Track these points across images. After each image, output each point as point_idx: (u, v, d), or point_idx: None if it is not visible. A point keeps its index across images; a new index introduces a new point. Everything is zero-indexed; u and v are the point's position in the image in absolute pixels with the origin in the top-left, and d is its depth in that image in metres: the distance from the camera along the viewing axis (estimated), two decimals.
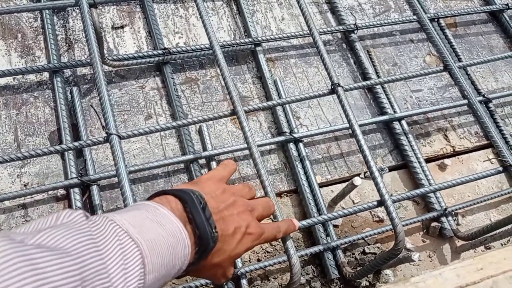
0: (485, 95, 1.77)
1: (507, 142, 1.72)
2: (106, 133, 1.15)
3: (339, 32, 1.88)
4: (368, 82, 1.53)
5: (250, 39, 1.75)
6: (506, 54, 1.77)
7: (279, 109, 1.65)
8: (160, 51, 1.64)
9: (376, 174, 1.23)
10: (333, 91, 1.38)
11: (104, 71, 1.63)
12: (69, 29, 1.70)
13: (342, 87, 1.37)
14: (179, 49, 1.66)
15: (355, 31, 1.88)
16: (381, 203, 1.22)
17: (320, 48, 1.40)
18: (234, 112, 1.28)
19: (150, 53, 1.63)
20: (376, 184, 1.22)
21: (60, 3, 1.47)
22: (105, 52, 1.68)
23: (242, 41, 1.73)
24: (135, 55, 1.62)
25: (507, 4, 2.02)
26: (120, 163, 1.10)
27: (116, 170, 1.09)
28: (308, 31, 1.46)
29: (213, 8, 1.88)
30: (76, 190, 1.34)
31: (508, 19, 2.04)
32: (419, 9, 1.60)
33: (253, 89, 1.73)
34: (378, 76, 1.80)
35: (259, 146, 1.55)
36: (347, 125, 1.62)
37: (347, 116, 1.32)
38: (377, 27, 1.92)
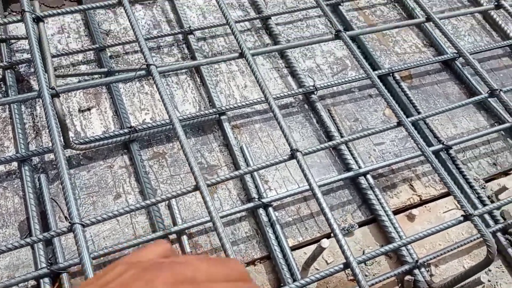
0: (445, 143, 1.83)
1: (471, 187, 1.76)
2: (70, 223, 1.16)
3: (300, 94, 1.95)
4: (326, 144, 1.58)
5: (214, 109, 1.81)
6: (461, 103, 1.85)
7: (247, 175, 1.69)
8: (126, 130, 1.68)
9: (340, 236, 1.25)
10: (292, 156, 1.43)
11: (72, 154, 1.68)
12: (36, 116, 1.75)
13: (301, 152, 1.42)
14: (145, 125, 1.71)
15: (315, 92, 1.95)
16: (347, 265, 1.23)
17: (277, 116, 1.46)
18: (197, 187, 1.31)
19: (116, 132, 1.68)
20: (340, 247, 1.24)
21: (24, 97, 1.52)
22: (73, 135, 1.73)
23: (206, 112, 1.79)
24: (102, 136, 1.66)
25: (457, 53, 2.13)
26: (83, 252, 1.11)
27: (80, 260, 1.11)
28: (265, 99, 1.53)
29: (178, 82, 1.96)
30: (46, 280, 1.34)
31: (460, 66, 2.15)
32: (367, 68, 1.68)
33: (220, 157, 1.77)
34: (341, 134, 1.86)
35: (228, 215, 1.57)
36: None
37: (307, 180, 1.36)
38: (336, 86, 2.01)
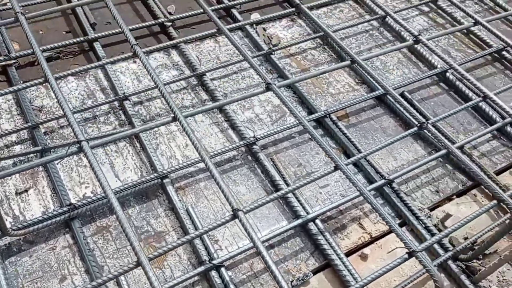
0: (386, 177, 1.88)
1: (417, 218, 1.80)
2: None
3: (242, 147, 1.96)
4: (270, 197, 1.59)
5: (156, 174, 1.79)
6: (396, 138, 1.91)
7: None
8: (65, 209, 1.63)
9: None
10: (234, 216, 1.42)
11: (12, 240, 1.60)
12: None
13: (243, 211, 1.41)
14: (84, 201, 1.67)
15: (257, 143, 1.97)
16: None
17: (216, 176, 1.46)
18: (138, 263, 1.28)
19: (55, 212, 1.62)
20: None
21: None
22: (11, 220, 1.66)
23: (147, 177, 1.77)
24: (41, 218, 1.60)
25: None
26: None
27: None
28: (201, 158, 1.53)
29: (117, 150, 1.93)
30: None
31: (393, 100, 2.23)
32: (299, 116, 1.72)
33: (167, 222, 1.74)
34: (286, 181, 1.87)
35: (180, 282, 1.53)
36: (264, 237, 1.65)
37: (251, 239, 1.35)
38: (276, 134, 2.04)
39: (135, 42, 1.88)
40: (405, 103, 1.92)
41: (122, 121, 2.04)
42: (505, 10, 2.80)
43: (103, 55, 2.23)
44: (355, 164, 1.97)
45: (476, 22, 2.42)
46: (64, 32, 2.38)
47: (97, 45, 2.28)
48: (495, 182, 1.93)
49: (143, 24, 2.41)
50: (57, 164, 1.84)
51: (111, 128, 2.01)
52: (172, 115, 1.64)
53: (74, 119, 1.51)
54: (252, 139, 1.96)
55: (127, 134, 1.64)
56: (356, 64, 2.06)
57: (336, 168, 1.61)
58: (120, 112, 2.07)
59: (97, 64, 2.08)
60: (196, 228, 1.67)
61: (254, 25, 2.54)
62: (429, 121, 1.86)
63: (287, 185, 1.84)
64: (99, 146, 1.88)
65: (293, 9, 2.54)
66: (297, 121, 2.04)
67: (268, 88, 1.81)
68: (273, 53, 2.37)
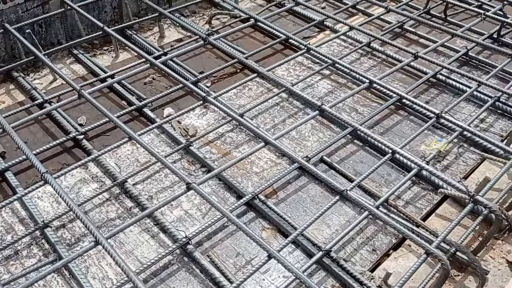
0: (323, 248, 1.90)
1: (361, 283, 1.82)
2: None
3: (176, 250, 1.92)
4: None
5: None
6: (326, 206, 1.96)
7: None
8: None
9: None
10: None
11: None
12: None
13: None
14: None
15: (190, 241, 1.94)
16: None
17: None
18: None
19: None
20: None
21: None
22: None
23: None
24: None
25: (307, 156, 2.28)
26: None
27: None
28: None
29: (45, 284, 1.81)
30: None
31: (313, 167, 2.28)
32: (222, 210, 1.72)
33: None
34: (226, 276, 1.84)
35: None
36: None
37: None
38: (208, 228, 2.01)
39: (44, 169, 1.83)
40: (323, 175, 1.98)
41: (46, 250, 1.93)
42: (399, 61, 3.03)
43: (16, 183, 2.15)
44: (294, 242, 1.97)
45: (371, 82, 2.60)
46: None
47: (9, 175, 2.19)
48: (424, 229, 2.01)
49: (55, 142, 2.36)
50: None
51: (35, 260, 1.90)
52: (94, 240, 1.58)
53: None
54: (184, 239, 1.92)
55: (48, 272, 1.55)
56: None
57: (270, 257, 1.61)
58: (43, 241, 1.97)
59: (11, 199, 1.99)
60: None
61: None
62: (350, 186, 1.93)
63: (229, 281, 1.80)
64: None
65: (201, 101, 2.58)
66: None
67: (189, 188, 1.81)
68: (192, 144, 2.40)
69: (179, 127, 2.56)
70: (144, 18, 3.29)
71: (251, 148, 2.39)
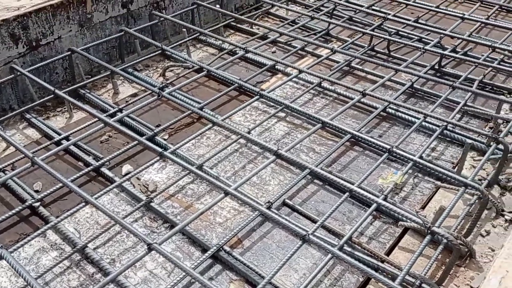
0: None
1: None
2: None
3: None
4: None
5: None
6: (291, 252, 1.97)
7: None
8: None
9: None
10: None
11: None
12: None
13: None
14: None
15: None
16: None
17: None
18: None
19: None
20: None
21: None
22: None
23: None
24: None
25: (269, 201, 2.30)
26: None
27: None
28: None
29: None
30: None
31: (274, 215, 2.28)
32: (183, 267, 1.70)
33: None
34: None
35: None
36: None
37: None
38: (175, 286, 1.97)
39: None
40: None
41: None
42: (350, 98, 3.14)
43: None
44: None
45: (323, 123, 2.68)
46: None
47: None
48: (389, 264, 2.04)
49: (11, 212, 2.29)
50: None
51: None
52: None
53: None
54: None
55: None
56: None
57: None
58: None
59: None
60: None
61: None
62: (311, 229, 1.95)
63: None
64: None
65: (158, 157, 2.57)
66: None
67: (150, 248, 1.79)
68: (153, 200, 2.37)
69: (138, 184, 2.54)
70: (96, 78, 3.30)
71: (213, 198, 2.39)
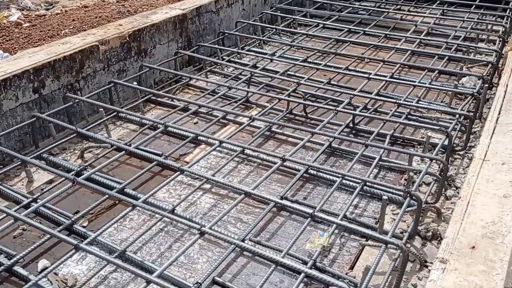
0: None
1: None
2: None
3: None
4: None
5: None
6: None
7: None
8: None
9: None
10: None
11: None
12: None
13: None
14: None
15: None
16: None
17: None
18: None
19: None
20: None
21: None
22: None
23: None
24: None
25: (198, 283, 2.21)
26: None
27: None
28: None
29: None
30: None
31: None
32: None
33: None
34: None
35: None
36: None
37: None
38: None
39: None
40: None
41: None
42: (274, 163, 3.18)
43: None
44: None
45: (246, 193, 2.69)
46: None
47: None
48: None
49: None
50: None
51: None
52: None
53: None
54: None
55: None
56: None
57: None
58: None
59: None
60: None
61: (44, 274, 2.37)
62: None
63: None
64: None
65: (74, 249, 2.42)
66: None
67: None
68: None
69: (56, 280, 2.36)
70: (6, 169, 3.13)
71: (138, 286, 2.26)
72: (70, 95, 3.66)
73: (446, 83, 4.42)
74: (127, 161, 3.39)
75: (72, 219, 2.69)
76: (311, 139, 3.40)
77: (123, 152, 3.27)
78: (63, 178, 3.01)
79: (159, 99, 4.18)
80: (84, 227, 2.74)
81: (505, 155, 2.28)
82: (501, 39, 4.89)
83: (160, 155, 3.24)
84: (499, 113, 2.71)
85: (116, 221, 2.68)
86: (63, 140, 3.44)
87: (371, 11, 6.12)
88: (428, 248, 2.52)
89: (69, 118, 3.69)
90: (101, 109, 3.64)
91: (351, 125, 3.62)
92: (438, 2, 6.35)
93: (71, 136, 3.48)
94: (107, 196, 2.82)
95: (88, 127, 3.59)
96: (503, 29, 5.17)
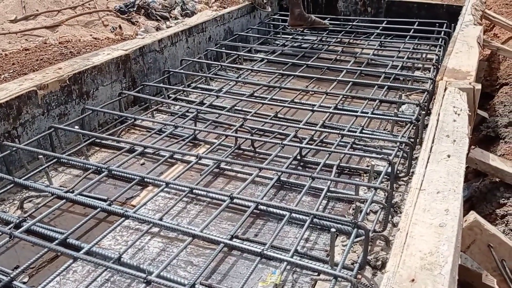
0: None
1: None
2: None
3: None
4: None
5: None
6: None
7: None
8: None
9: None
10: None
11: None
12: None
13: None
14: None
15: None
16: None
17: None
18: None
19: None
20: None
21: None
22: None
23: None
24: None
25: None
26: None
27: None
28: None
29: None
30: None
31: None
32: None
33: None
34: None
35: None
36: None
37: None
38: None
39: None
40: None
41: None
42: (223, 200, 3.15)
43: None
44: None
45: (194, 236, 2.63)
46: None
47: None
48: None
49: None
50: None
51: None
52: None
53: None
54: None
55: None
56: None
57: None
58: None
59: None
60: None
61: None
62: None
63: None
64: None
65: None
66: None
67: None
68: None
69: None
70: None
71: None
72: (7, 143, 3.50)
73: (387, 111, 4.59)
74: (70, 209, 3.25)
75: (11, 275, 2.53)
76: (259, 174, 3.41)
77: (65, 200, 3.13)
78: (2, 230, 2.84)
79: (103, 141, 4.07)
80: (24, 283, 2.57)
81: (440, 183, 2.35)
82: (434, 67, 5.16)
83: (105, 201, 3.14)
84: (432, 142, 2.82)
85: (58, 274, 2.54)
86: (0, 192, 3.27)
87: (313, 45, 6.32)
88: (379, 277, 2.54)
89: (7, 167, 3.51)
90: (41, 156, 3.50)
91: (298, 157, 3.66)
92: (375, 34, 6.65)
93: (9, 186, 3.31)
94: (53, 244, 2.68)
95: (28, 175, 3.44)
96: (436, 57, 5.46)
